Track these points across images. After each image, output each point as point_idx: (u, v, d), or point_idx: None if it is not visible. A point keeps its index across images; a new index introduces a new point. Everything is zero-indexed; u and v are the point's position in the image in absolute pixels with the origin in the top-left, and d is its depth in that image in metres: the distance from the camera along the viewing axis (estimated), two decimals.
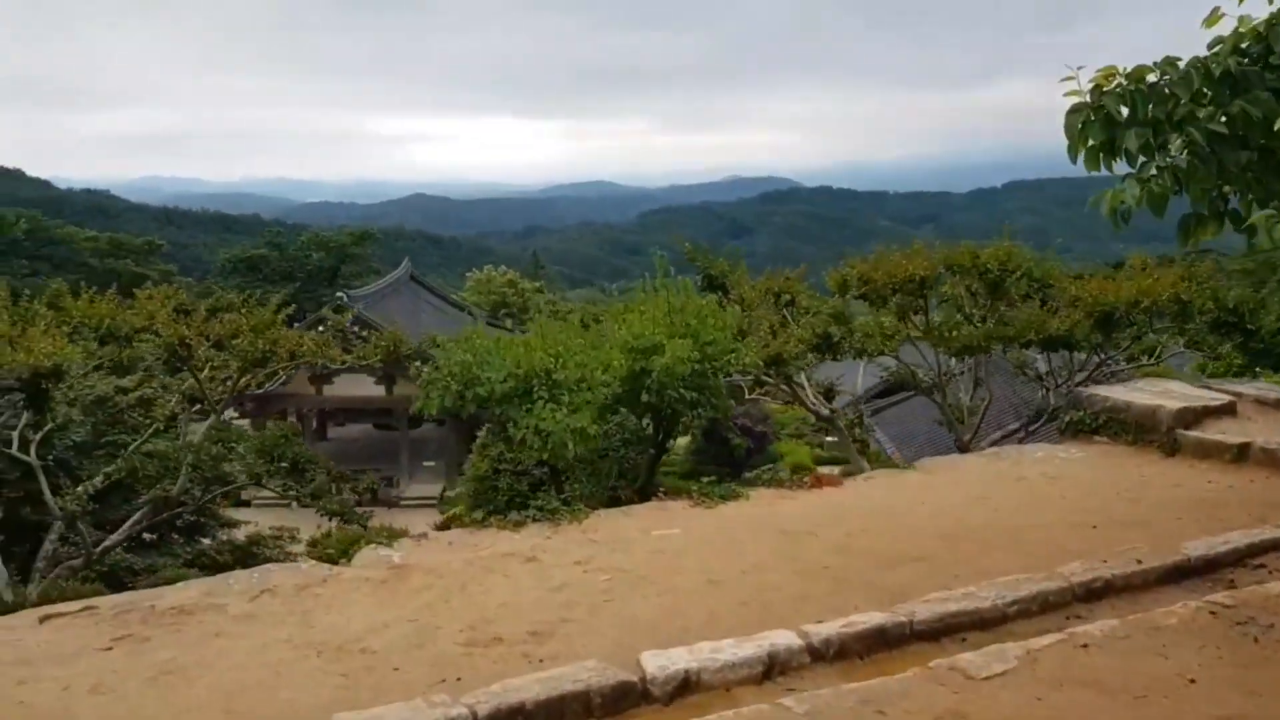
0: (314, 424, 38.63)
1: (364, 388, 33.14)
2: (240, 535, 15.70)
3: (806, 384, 12.79)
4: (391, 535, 7.57)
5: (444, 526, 11.90)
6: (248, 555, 14.53)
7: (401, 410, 33.89)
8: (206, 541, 15.58)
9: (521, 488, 12.45)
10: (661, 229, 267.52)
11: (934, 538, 6.91)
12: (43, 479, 9.29)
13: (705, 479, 8.72)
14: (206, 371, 9.92)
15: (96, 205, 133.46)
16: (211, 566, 13.23)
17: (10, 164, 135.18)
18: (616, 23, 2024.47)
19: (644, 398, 8.97)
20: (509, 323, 51.99)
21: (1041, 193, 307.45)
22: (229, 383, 10.24)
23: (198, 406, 10.06)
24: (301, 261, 58.79)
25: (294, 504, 11.76)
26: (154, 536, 14.76)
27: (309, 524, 14.32)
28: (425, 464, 36.47)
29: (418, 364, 10.53)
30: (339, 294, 39.28)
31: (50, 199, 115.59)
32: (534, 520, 7.63)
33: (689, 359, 8.92)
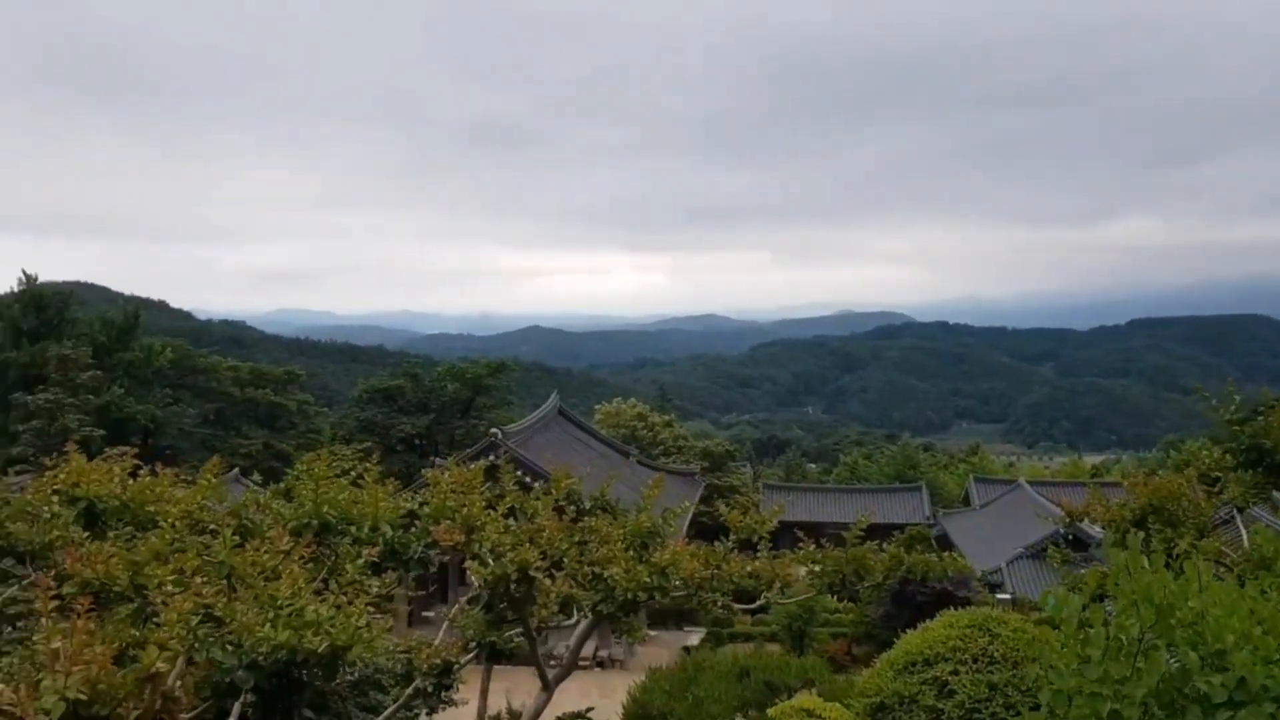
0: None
1: None
2: None
3: None
4: None
5: None
6: None
7: None
8: None
9: None
10: (773, 362, 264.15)
11: None
12: None
13: None
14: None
15: (233, 336, 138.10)
16: None
17: (156, 296, 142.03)
18: (726, 161, 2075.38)
19: None
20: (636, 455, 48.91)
21: (1168, 331, 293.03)
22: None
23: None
24: (437, 393, 57.04)
25: None
26: None
27: None
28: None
29: None
30: (493, 430, 37.07)
31: (191, 329, 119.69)
32: None
33: None
